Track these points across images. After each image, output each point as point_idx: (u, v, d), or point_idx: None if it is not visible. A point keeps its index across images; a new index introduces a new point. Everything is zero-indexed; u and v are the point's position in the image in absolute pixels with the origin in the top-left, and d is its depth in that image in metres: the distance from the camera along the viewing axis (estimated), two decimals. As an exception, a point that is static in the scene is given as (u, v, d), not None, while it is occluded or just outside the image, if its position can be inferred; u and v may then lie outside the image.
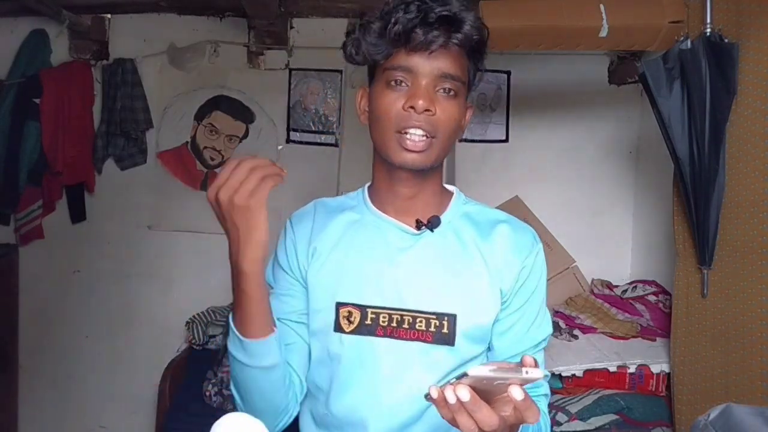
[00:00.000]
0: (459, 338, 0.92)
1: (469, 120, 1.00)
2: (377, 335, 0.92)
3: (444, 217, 0.98)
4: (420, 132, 0.88)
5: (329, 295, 0.95)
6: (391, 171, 0.95)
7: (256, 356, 0.85)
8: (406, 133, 0.88)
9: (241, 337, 0.84)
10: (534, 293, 0.97)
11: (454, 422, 0.66)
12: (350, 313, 0.93)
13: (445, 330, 0.91)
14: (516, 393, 0.62)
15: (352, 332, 0.93)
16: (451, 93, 0.90)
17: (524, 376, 0.62)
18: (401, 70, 0.88)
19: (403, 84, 0.89)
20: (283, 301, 0.99)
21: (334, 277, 0.95)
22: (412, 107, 0.87)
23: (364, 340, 0.92)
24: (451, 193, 1.03)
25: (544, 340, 0.98)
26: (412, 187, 0.95)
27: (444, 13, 0.85)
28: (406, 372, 0.92)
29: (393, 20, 0.86)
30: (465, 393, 0.62)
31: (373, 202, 1.00)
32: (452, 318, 0.91)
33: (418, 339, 0.92)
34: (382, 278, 0.94)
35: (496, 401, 0.66)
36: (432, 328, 0.91)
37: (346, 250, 0.97)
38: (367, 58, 0.91)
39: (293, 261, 0.99)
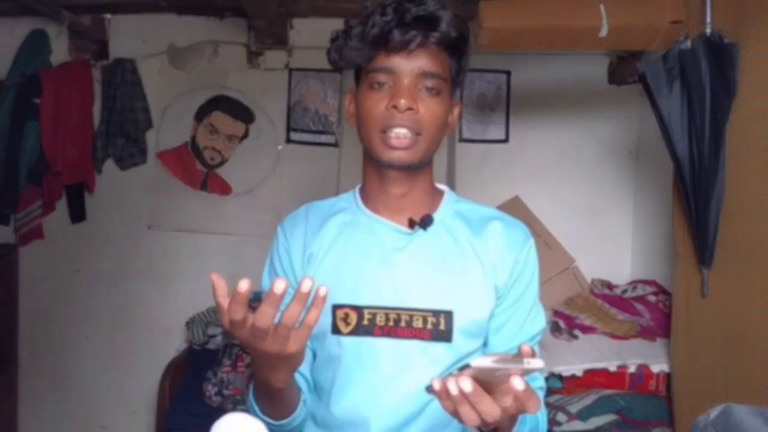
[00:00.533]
0: (456, 334, 0.92)
1: (458, 117, 1.01)
2: (375, 335, 0.92)
3: (436, 216, 0.99)
4: (404, 130, 0.90)
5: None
6: (380, 171, 0.96)
7: (285, 426, 0.91)
8: (391, 131, 0.90)
9: (271, 421, 0.88)
10: (527, 288, 0.98)
11: (456, 414, 0.67)
12: (347, 314, 0.93)
13: (442, 327, 0.92)
14: (518, 383, 0.63)
15: (349, 333, 0.93)
16: (434, 91, 0.91)
17: (525, 366, 0.63)
18: (383, 72, 0.90)
19: (386, 85, 0.91)
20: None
21: (329, 279, 0.95)
22: (395, 107, 0.89)
23: (363, 341, 0.93)
24: (442, 192, 1.04)
25: (538, 333, 0.99)
26: (402, 186, 0.96)
27: (419, 13, 0.87)
28: (406, 370, 0.92)
29: (371, 24, 0.88)
30: (467, 384, 0.63)
31: (365, 203, 1.01)
32: (449, 315, 0.92)
33: (416, 337, 0.92)
34: (377, 279, 0.94)
35: (497, 392, 0.67)
36: (429, 326, 0.92)
37: (341, 252, 0.97)
38: (350, 63, 0.93)
39: (288, 269, 1.00)
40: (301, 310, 0.66)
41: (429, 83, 0.90)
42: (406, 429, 0.93)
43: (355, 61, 0.92)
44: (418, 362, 0.92)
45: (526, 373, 0.64)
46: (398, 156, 0.91)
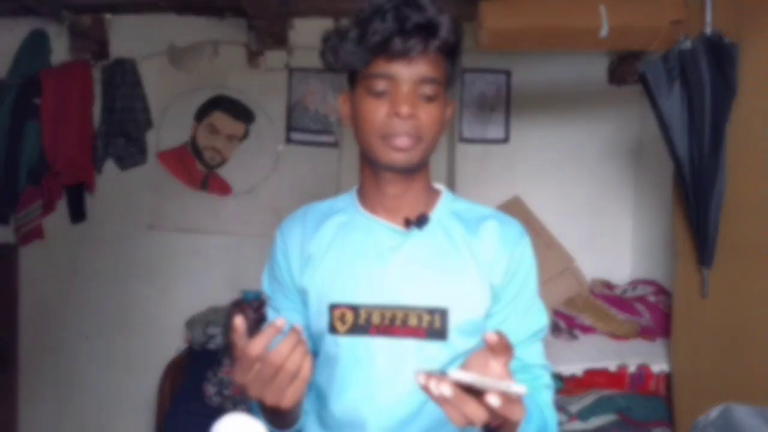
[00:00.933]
0: (451, 333, 0.93)
1: (452, 115, 1.01)
2: (371, 334, 0.93)
3: (433, 215, 0.99)
4: (405, 137, 0.90)
5: (323, 298, 0.96)
6: (377, 172, 0.96)
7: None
8: (392, 138, 0.91)
9: (273, 429, 0.88)
10: (524, 285, 0.97)
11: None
12: (343, 314, 0.94)
13: (437, 325, 0.92)
14: (493, 401, 0.62)
15: (346, 333, 0.94)
16: (432, 96, 0.91)
17: (505, 388, 0.62)
18: (382, 78, 0.90)
19: (385, 91, 0.90)
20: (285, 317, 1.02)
21: (327, 279, 0.96)
22: (396, 114, 0.89)
23: (359, 340, 0.93)
24: (439, 192, 1.04)
25: (540, 330, 0.98)
26: (398, 186, 0.97)
27: (420, 20, 0.87)
28: (402, 369, 0.93)
29: (371, 30, 0.87)
30: (447, 389, 0.62)
31: (362, 203, 1.02)
32: (444, 313, 0.92)
33: (411, 335, 0.93)
34: (373, 278, 0.95)
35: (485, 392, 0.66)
36: (424, 324, 0.92)
37: (338, 252, 0.98)
38: (346, 66, 0.93)
39: (286, 272, 1.01)
40: (290, 348, 0.72)
41: (428, 89, 0.90)
42: (404, 429, 0.93)
43: (353, 65, 0.92)
44: (413, 360, 0.92)
45: (504, 394, 0.63)
46: (399, 158, 0.91)
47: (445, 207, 1.01)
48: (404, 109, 0.88)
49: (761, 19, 1.56)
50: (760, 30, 1.57)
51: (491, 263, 0.96)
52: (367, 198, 1.01)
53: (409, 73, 0.89)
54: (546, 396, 0.96)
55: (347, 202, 1.04)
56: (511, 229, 0.99)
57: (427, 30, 0.87)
